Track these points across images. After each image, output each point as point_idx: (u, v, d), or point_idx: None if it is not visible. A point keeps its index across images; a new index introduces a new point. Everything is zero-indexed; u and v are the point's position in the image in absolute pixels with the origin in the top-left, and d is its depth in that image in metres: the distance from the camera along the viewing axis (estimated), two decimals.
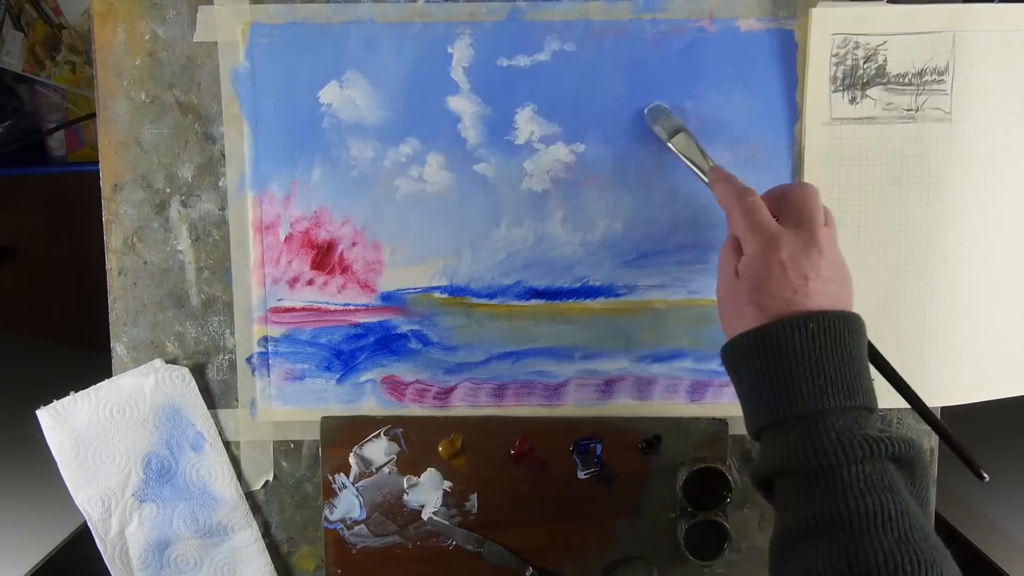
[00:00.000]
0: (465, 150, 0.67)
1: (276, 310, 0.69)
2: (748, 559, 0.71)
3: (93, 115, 0.88)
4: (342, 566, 0.70)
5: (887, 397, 0.68)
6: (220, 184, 0.68)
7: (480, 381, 0.69)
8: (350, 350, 0.69)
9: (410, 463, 0.69)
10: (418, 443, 0.69)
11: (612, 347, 0.69)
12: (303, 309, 0.69)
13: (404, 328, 0.69)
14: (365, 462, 0.69)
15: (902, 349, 0.67)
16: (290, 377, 0.69)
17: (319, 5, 0.66)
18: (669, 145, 0.63)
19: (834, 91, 0.65)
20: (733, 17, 0.65)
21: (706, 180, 0.61)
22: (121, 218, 0.69)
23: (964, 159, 0.66)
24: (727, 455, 0.69)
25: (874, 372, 0.53)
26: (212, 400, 0.70)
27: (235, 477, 0.70)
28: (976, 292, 0.67)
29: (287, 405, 0.70)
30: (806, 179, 0.66)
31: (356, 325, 0.69)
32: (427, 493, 0.69)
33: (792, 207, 0.54)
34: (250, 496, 0.71)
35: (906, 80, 0.65)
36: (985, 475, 0.56)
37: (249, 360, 0.69)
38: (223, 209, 0.68)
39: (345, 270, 0.68)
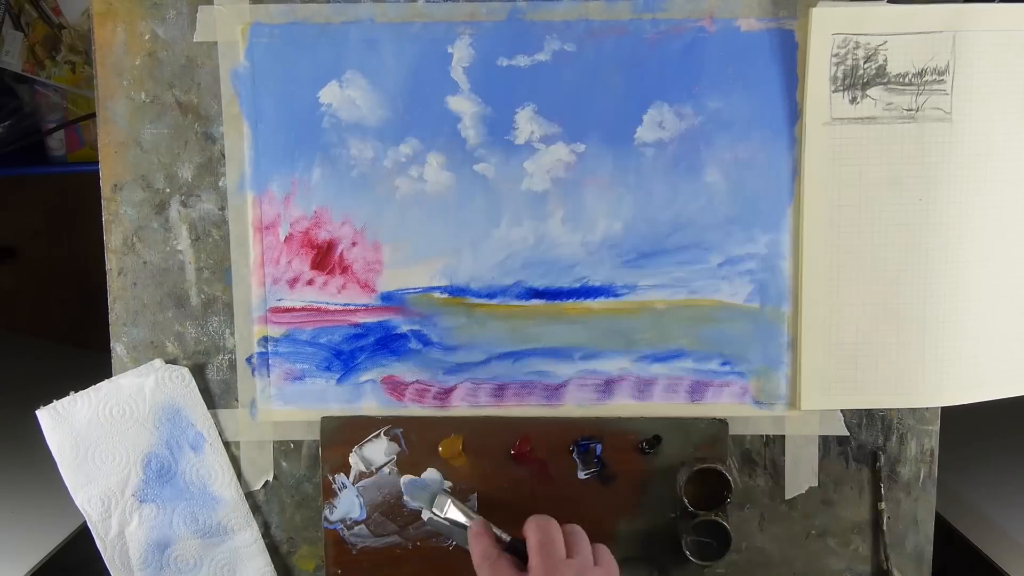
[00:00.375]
0: (465, 150, 0.67)
1: (276, 310, 0.69)
2: (748, 559, 0.71)
3: (93, 115, 0.88)
4: (342, 566, 0.70)
5: (887, 397, 0.68)
6: (220, 184, 0.68)
7: (480, 381, 0.69)
8: (350, 350, 0.69)
9: (410, 463, 0.69)
10: (418, 443, 0.69)
11: (612, 347, 0.69)
12: (303, 309, 0.69)
13: (404, 328, 0.69)
14: (365, 462, 0.69)
15: (902, 349, 0.67)
16: (290, 377, 0.69)
17: (319, 5, 0.66)
18: (433, 513, 0.62)
19: (834, 91, 0.65)
20: (733, 17, 0.65)
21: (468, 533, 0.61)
22: (121, 218, 0.68)
23: (964, 159, 0.66)
24: (727, 455, 0.69)
25: None
26: (212, 400, 0.70)
27: (235, 477, 0.70)
28: (976, 292, 0.67)
29: (287, 405, 0.70)
30: (806, 179, 0.66)
31: (356, 325, 0.69)
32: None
33: (532, 554, 0.55)
34: (250, 496, 0.71)
35: (906, 80, 0.65)
36: None
37: (249, 360, 0.69)
38: (223, 209, 0.68)
39: (345, 270, 0.68)
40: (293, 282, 0.69)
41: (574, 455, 0.69)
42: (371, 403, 0.70)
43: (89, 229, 0.82)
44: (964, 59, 0.65)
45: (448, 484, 0.69)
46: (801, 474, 0.70)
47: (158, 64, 0.67)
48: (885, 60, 0.65)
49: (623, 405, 0.69)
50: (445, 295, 0.68)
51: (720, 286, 0.68)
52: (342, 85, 0.66)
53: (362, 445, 0.69)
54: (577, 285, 0.68)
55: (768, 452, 0.70)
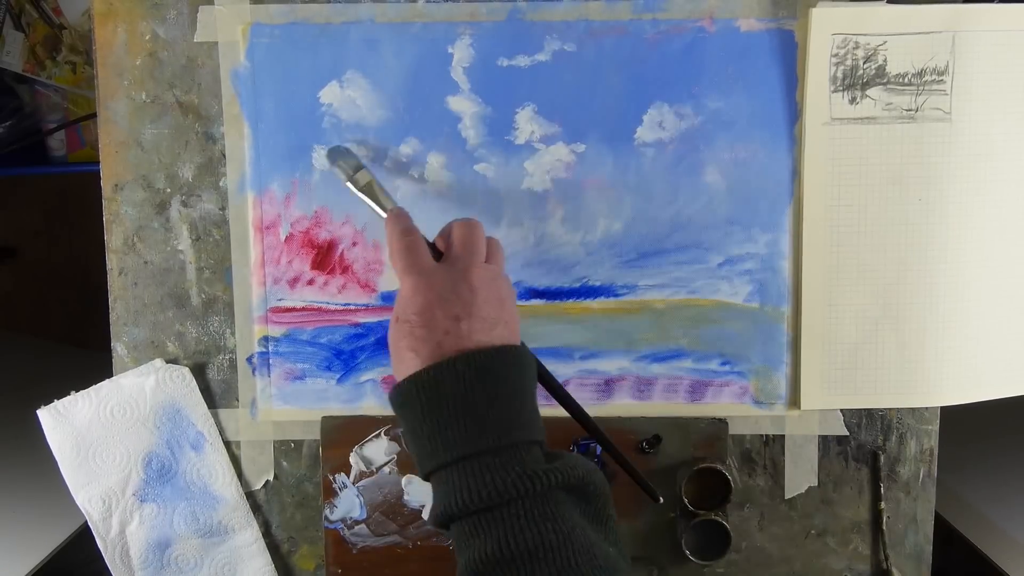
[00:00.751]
0: (465, 150, 0.67)
1: (276, 310, 0.69)
2: (748, 559, 0.71)
3: (93, 115, 0.88)
4: (342, 566, 0.70)
5: (887, 396, 0.68)
6: (220, 184, 0.68)
7: None
8: (350, 350, 0.69)
9: (410, 463, 0.69)
10: None
11: (612, 347, 0.69)
12: (303, 309, 0.69)
13: None
14: (365, 462, 0.70)
15: (902, 349, 0.68)
16: (290, 377, 0.70)
17: (319, 5, 0.66)
18: (348, 185, 0.59)
19: (834, 91, 0.65)
20: (733, 17, 0.65)
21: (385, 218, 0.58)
22: (122, 218, 0.69)
23: (964, 159, 0.66)
24: (727, 455, 0.69)
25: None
26: (212, 400, 0.70)
27: (235, 477, 0.70)
28: (976, 292, 0.67)
29: (287, 405, 0.70)
30: (806, 179, 0.66)
31: (356, 325, 0.69)
32: (424, 493, 0.69)
33: (452, 245, 0.54)
34: (250, 496, 0.71)
35: (906, 80, 0.65)
36: (660, 499, 0.58)
37: (249, 360, 0.69)
38: (223, 209, 0.68)
39: (345, 270, 0.68)
40: (294, 282, 0.69)
41: None
42: (371, 403, 0.70)
43: (89, 229, 0.82)
44: (964, 59, 0.65)
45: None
46: (801, 474, 0.70)
47: (159, 64, 0.67)
48: (885, 60, 0.65)
49: (623, 405, 0.69)
50: None
51: (720, 286, 0.68)
52: (342, 85, 0.66)
53: (362, 445, 0.69)
54: (577, 285, 0.68)
55: (768, 452, 0.70)
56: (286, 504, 0.71)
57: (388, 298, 0.69)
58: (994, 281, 0.67)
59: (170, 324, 0.69)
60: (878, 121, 0.66)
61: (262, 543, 0.71)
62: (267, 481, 0.71)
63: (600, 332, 0.69)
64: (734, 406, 0.69)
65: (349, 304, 0.69)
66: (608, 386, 0.69)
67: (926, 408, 0.70)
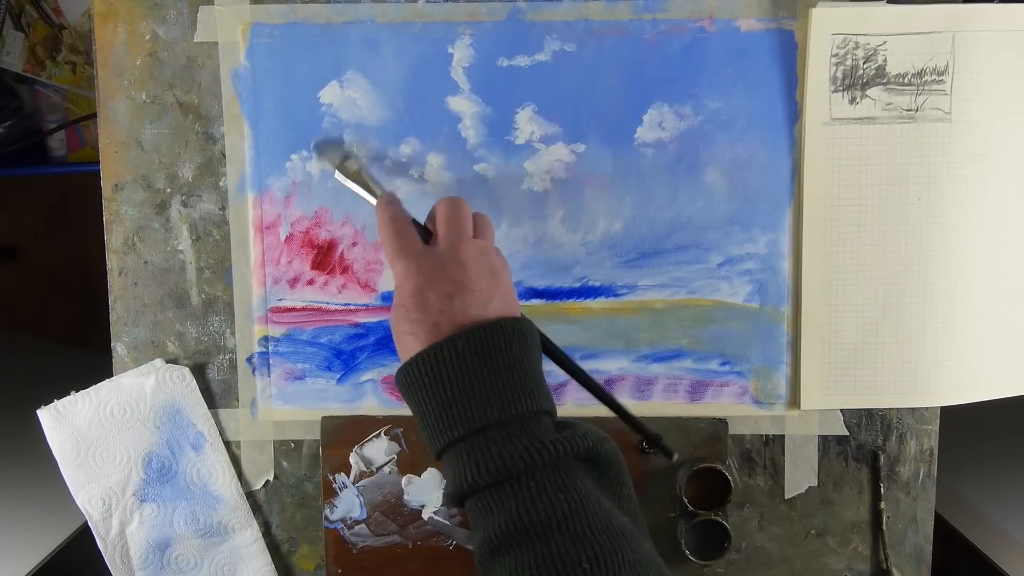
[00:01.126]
0: (465, 150, 0.67)
1: (276, 310, 0.69)
2: (748, 559, 0.71)
3: (93, 115, 0.88)
4: (342, 566, 0.70)
5: (887, 396, 0.68)
6: (220, 184, 0.68)
7: None
8: (350, 350, 0.69)
9: (410, 463, 0.69)
10: (418, 443, 0.69)
11: (612, 347, 0.69)
12: (303, 309, 0.69)
13: None
14: (365, 462, 0.70)
15: (902, 349, 0.68)
16: (290, 377, 0.70)
17: (319, 5, 0.66)
18: (336, 174, 0.59)
19: (834, 91, 0.65)
20: (733, 17, 0.65)
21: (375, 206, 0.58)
22: (122, 218, 0.69)
23: (964, 159, 0.66)
24: (727, 455, 0.69)
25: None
26: (212, 400, 0.70)
27: (235, 477, 0.70)
28: (976, 292, 0.67)
29: (287, 405, 0.70)
30: (806, 179, 0.66)
31: (356, 325, 0.69)
32: (424, 493, 0.70)
33: (439, 225, 0.53)
34: (250, 496, 0.71)
35: (906, 80, 0.65)
36: (675, 454, 0.56)
37: (249, 360, 0.69)
38: (223, 209, 0.68)
39: (345, 270, 0.68)
40: (294, 282, 0.69)
41: None
42: (371, 403, 0.70)
43: (89, 229, 0.82)
44: (963, 59, 0.65)
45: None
46: (801, 474, 0.70)
47: (159, 64, 0.67)
48: (885, 60, 0.65)
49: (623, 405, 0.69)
50: None
51: (720, 286, 0.68)
52: (342, 85, 0.66)
53: (362, 445, 0.69)
54: (577, 285, 0.68)
55: (768, 452, 0.70)
56: (286, 504, 0.71)
57: (388, 298, 0.69)
58: (994, 281, 0.67)
59: (170, 324, 0.69)
60: (878, 121, 0.66)
61: (262, 543, 0.71)
62: (267, 481, 0.71)
63: (600, 332, 0.69)
64: (734, 406, 0.69)
65: (349, 304, 0.69)
66: (608, 386, 0.69)
67: (926, 408, 0.70)
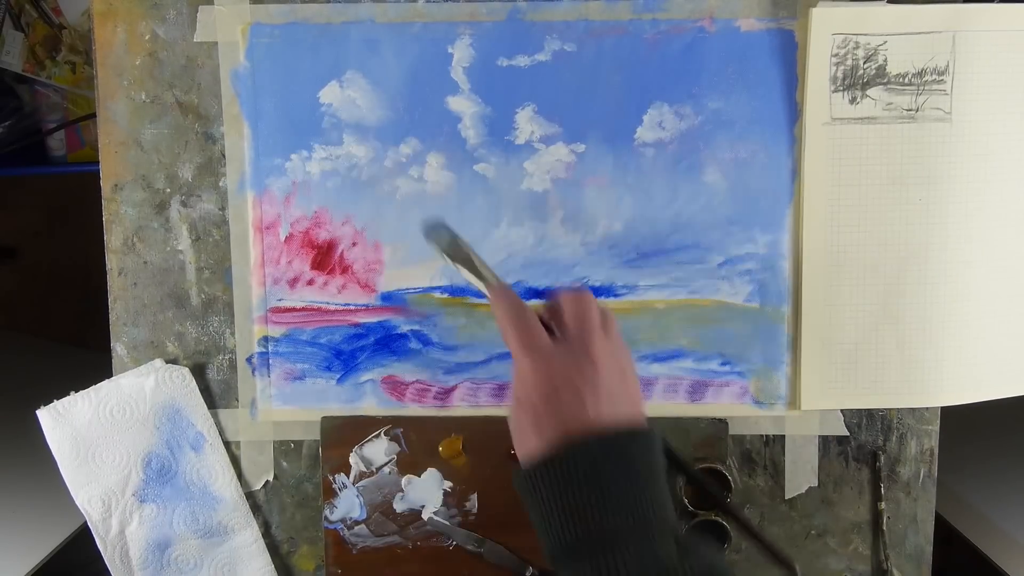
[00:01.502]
0: (465, 150, 0.67)
1: (276, 310, 0.69)
2: (748, 559, 0.71)
3: (93, 115, 0.88)
4: (342, 566, 0.70)
5: (887, 397, 0.68)
6: (220, 184, 0.68)
7: (480, 381, 0.69)
8: (350, 350, 0.69)
9: (410, 463, 0.69)
10: (418, 443, 0.69)
11: None
12: (303, 309, 0.69)
13: (404, 328, 0.69)
14: (365, 462, 0.70)
15: (902, 349, 0.67)
16: (290, 377, 0.70)
17: (319, 5, 0.66)
18: (445, 258, 0.57)
19: (834, 91, 0.65)
20: (733, 17, 0.65)
21: (487, 294, 0.55)
22: (121, 218, 0.69)
23: (964, 159, 0.66)
24: (727, 455, 0.69)
25: None
26: (212, 400, 0.70)
27: (235, 477, 0.70)
28: (976, 292, 0.67)
29: (287, 405, 0.70)
30: (806, 179, 0.66)
31: (356, 325, 0.69)
32: (424, 493, 0.69)
33: (568, 320, 0.51)
34: (250, 496, 0.71)
35: (906, 80, 0.65)
36: (797, 569, 0.54)
37: (249, 360, 0.69)
38: (223, 209, 0.68)
39: (345, 270, 0.68)
40: (293, 282, 0.69)
41: None
42: (371, 403, 0.70)
43: (89, 229, 0.82)
44: (964, 59, 0.65)
45: (448, 484, 0.69)
46: (801, 474, 0.70)
47: (158, 64, 0.67)
48: (885, 60, 0.65)
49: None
50: (445, 295, 0.68)
51: (720, 286, 0.68)
52: (342, 85, 0.66)
53: (362, 445, 0.69)
54: (577, 285, 0.68)
55: (768, 452, 0.70)
56: (286, 504, 0.71)
57: (387, 298, 0.69)
58: (994, 281, 0.67)
59: (170, 324, 0.69)
60: (878, 121, 0.66)
61: (262, 543, 0.71)
62: (267, 481, 0.71)
63: None
64: (734, 406, 0.69)
65: (349, 304, 0.69)
66: None
67: (926, 408, 0.70)
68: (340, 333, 0.69)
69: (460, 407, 0.70)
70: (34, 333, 1.71)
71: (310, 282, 0.69)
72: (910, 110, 0.65)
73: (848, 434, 0.70)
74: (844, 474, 0.70)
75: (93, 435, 0.68)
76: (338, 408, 0.70)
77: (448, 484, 0.69)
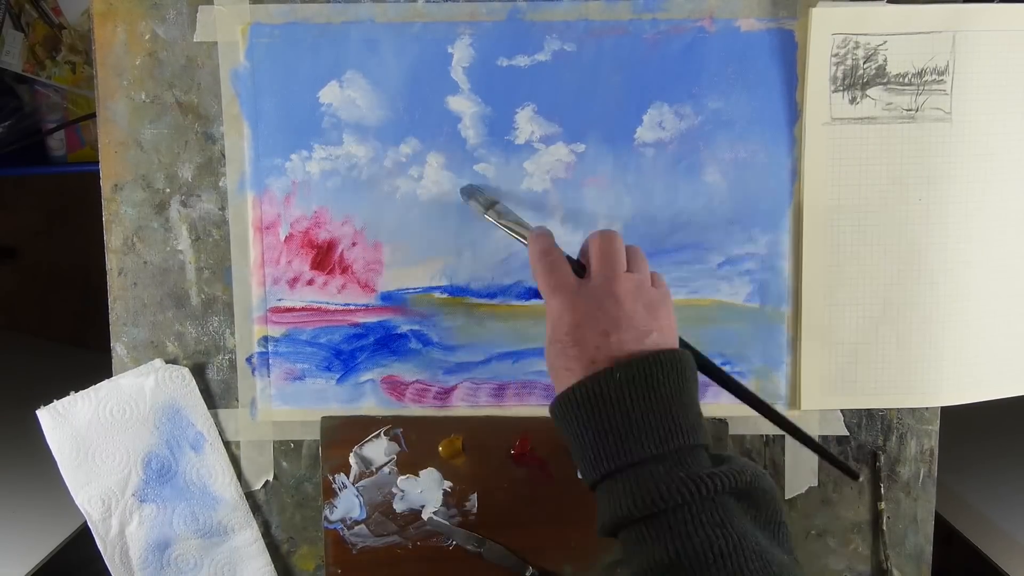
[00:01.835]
0: (465, 150, 0.67)
1: (276, 310, 0.69)
2: None
3: (93, 115, 0.88)
4: (342, 566, 0.70)
5: (887, 397, 0.68)
6: (220, 184, 0.68)
7: (480, 381, 0.69)
8: (350, 350, 0.69)
9: (410, 463, 0.69)
10: (418, 443, 0.69)
11: None
12: (303, 309, 0.69)
13: (404, 328, 0.69)
14: (365, 462, 0.70)
15: (902, 349, 0.67)
16: (290, 377, 0.70)
17: (319, 5, 0.66)
18: (486, 217, 0.61)
19: (834, 91, 0.65)
20: (733, 17, 0.65)
21: (526, 244, 0.58)
22: (121, 218, 0.69)
23: (964, 159, 0.66)
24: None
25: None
26: (212, 400, 0.70)
27: (235, 477, 0.70)
28: (976, 292, 0.67)
29: (287, 405, 0.70)
30: (806, 179, 0.66)
31: (356, 325, 0.69)
32: (424, 493, 0.69)
33: (593, 260, 0.53)
34: (250, 496, 0.71)
35: (906, 80, 0.65)
36: (860, 476, 0.55)
37: (249, 360, 0.69)
38: (223, 209, 0.68)
39: (345, 270, 0.68)
40: (293, 282, 0.69)
41: None
42: (371, 403, 0.70)
43: (89, 229, 0.82)
44: (964, 59, 0.65)
45: (448, 484, 0.69)
46: (801, 474, 0.70)
47: (158, 64, 0.67)
48: (885, 60, 0.65)
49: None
50: (445, 295, 0.68)
51: (720, 286, 0.68)
52: (342, 85, 0.66)
53: (362, 445, 0.69)
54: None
55: (768, 452, 0.70)
56: (286, 504, 0.71)
57: (387, 298, 0.69)
58: (994, 281, 0.67)
59: (170, 324, 0.69)
60: (878, 121, 0.66)
61: (262, 543, 0.71)
62: (267, 481, 0.71)
63: None
64: (734, 406, 0.69)
65: (349, 304, 0.69)
66: None
67: (926, 408, 0.70)
68: (340, 333, 0.69)
69: (460, 407, 0.70)
70: (34, 333, 1.71)
71: (310, 282, 0.69)
72: (910, 110, 0.65)
73: (848, 434, 0.70)
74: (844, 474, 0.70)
75: (93, 435, 0.68)
76: (338, 408, 0.70)
77: (448, 484, 0.69)
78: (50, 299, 1.72)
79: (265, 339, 0.69)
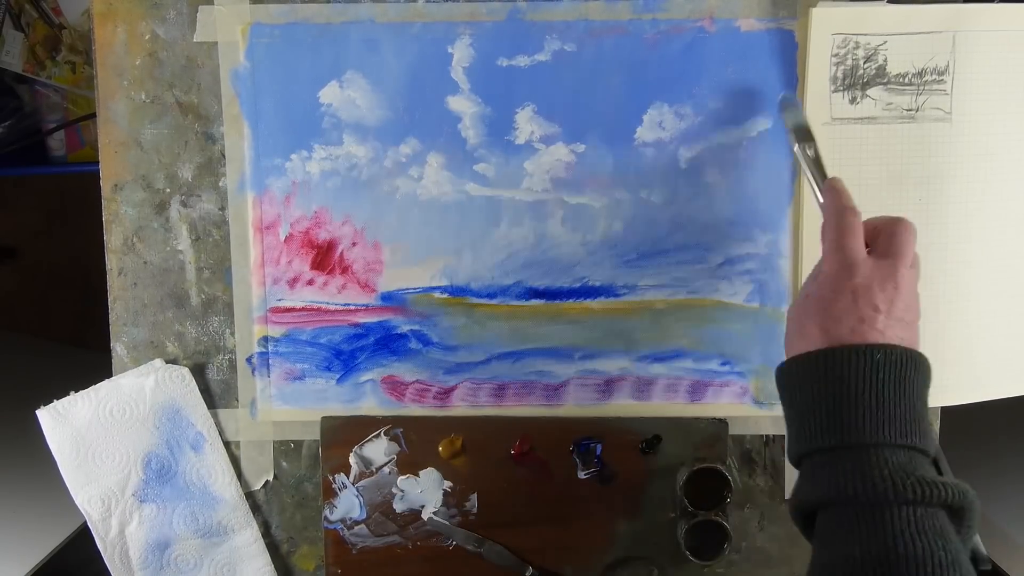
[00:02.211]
0: (465, 150, 0.67)
1: (276, 310, 0.69)
2: (748, 559, 0.71)
3: (93, 115, 0.88)
4: (342, 566, 0.70)
5: None
6: (220, 184, 0.68)
7: (480, 381, 0.69)
8: (350, 350, 0.69)
9: (410, 463, 0.69)
10: (418, 443, 0.69)
11: (612, 347, 0.69)
12: (303, 309, 0.69)
13: (404, 328, 0.69)
14: (365, 462, 0.70)
15: None
16: (290, 377, 0.70)
17: (319, 5, 0.66)
18: (795, 150, 0.61)
19: (834, 91, 0.65)
20: (733, 17, 0.65)
21: (820, 188, 0.58)
22: (121, 218, 0.69)
23: (964, 159, 0.66)
24: (727, 455, 0.69)
25: None
26: (212, 400, 0.70)
27: (235, 477, 0.70)
28: (976, 292, 0.67)
29: (287, 405, 0.70)
30: (805, 180, 0.66)
31: (356, 325, 0.69)
32: (424, 493, 0.69)
33: (883, 239, 0.53)
34: (250, 496, 0.71)
35: (906, 80, 0.65)
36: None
37: (249, 360, 0.69)
38: (223, 209, 0.68)
39: (345, 270, 0.68)
40: (293, 282, 0.69)
41: (574, 455, 0.69)
42: (371, 403, 0.70)
43: (89, 229, 0.82)
44: (964, 59, 0.65)
45: (448, 484, 0.69)
46: None
47: (158, 64, 0.67)
48: (885, 60, 0.65)
49: (623, 405, 0.69)
50: (445, 295, 0.68)
51: (720, 286, 0.68)
52: (342, 85, 0.66)
53: (362, 445, 0.69)
54: (577, 285, 0.68)
55: (768, 452, 0.70)
56: (286, 504, 0.71)
57: (388, 298, 0.69)
58: (994, 281, 0.67)
59: (170, 324, 0.69)
60: (878, 121, 0.66)
61: (262, 543, 0.71)
62: (267, 481, 0.71)
63: (600, 332, 0.69)
64: (734, 406, 0.69)
65: (349, 304, 0.69)
66: (608, 386, 0.69)
67: None
68: (340, 333, 0.69)
69: (460, 407, 0.70)
70: (34, 333, 1.71)
71: (310, 282, 0.69)
72: (910, 110, 0.65)
73: None
74: None
75: (93, 435, 0.68)
76: (338, 408, 0.70)
77: (448, 484, 0.69)
78: (50, 299, 1.72)
79: (265, 339, 0.69)
